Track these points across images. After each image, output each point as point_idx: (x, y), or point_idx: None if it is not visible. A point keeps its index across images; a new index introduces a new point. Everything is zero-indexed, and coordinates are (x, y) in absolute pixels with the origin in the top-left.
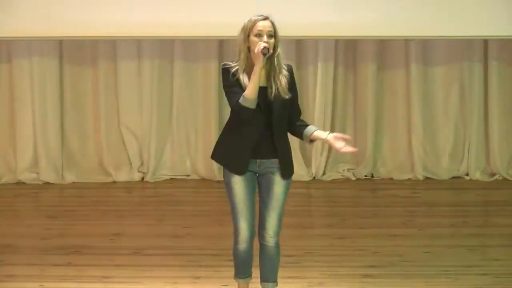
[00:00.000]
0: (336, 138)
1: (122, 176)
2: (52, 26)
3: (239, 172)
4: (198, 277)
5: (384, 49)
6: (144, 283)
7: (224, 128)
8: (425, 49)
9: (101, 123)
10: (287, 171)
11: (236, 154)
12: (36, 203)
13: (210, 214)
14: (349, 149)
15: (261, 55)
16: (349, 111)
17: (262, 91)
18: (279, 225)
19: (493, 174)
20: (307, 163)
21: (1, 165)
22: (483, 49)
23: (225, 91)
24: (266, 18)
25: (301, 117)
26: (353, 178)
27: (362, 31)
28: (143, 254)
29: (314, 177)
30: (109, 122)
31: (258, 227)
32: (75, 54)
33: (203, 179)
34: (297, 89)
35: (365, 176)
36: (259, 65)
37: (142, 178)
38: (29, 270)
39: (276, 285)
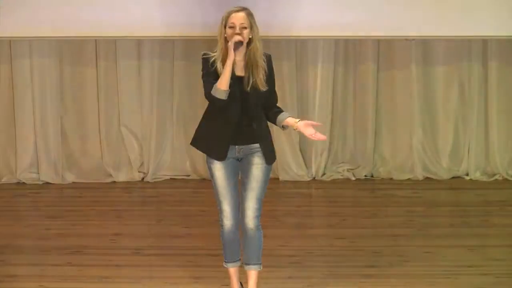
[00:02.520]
0: (307, 125)
1: (122, 176)
2: (52, 26)
3: (219, 158)
4: (198, 277)
5: (384, 49)
6: (144, 283)
7: (203, 115)
8: (425, 49)
9: (101, 123)
10: (267, 156)
11: (215, 141)
12: (36, 203)
13: (210, 214)
14: (319, 136)
15: (232, 49)
16: (349, 111)
17: (239, 81)
18: (258, 208)
19: (493, 174)
20: (307, 163)
21: (1, 165)
22: (483, 49)
23: (202, 80)
24: (241, 10)
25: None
26: (353, 178)
27: (362, 31)
28: (143, 254)
29: (314, 177)
30: (109, 122)
31: (240, 211)
32: (75, 54)
33: (203, 179)
34: (274, 76)
35: (365, 176)
36: (230, 59)
37: (142, 178)
38: (29, 270)
39: (260, 268)
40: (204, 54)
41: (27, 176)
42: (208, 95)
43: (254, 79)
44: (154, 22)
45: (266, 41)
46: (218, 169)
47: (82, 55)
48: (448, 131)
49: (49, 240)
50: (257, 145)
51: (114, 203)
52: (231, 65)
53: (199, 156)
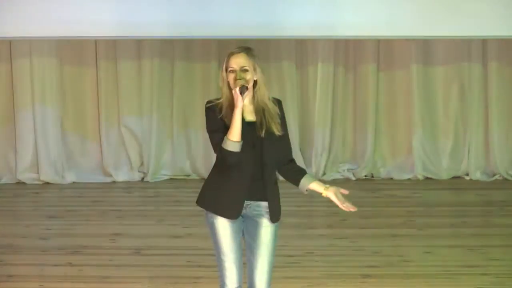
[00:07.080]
0: (337, 192)
1: (122, 176)
2: (52, 26)
3: (232, 217)
4: (198, 277)
5: (384, 49)
6: (144, 283)
7: (211, 171)
8: (425, 49)
9: (101, 123)
10: (275, 214)
11: (227, 200)
12: (36, 203)
13: None
14: (349, 207)
15: (239, 95)
16: (349, 111)
17: (251, 127)
18: (269, 275)
19: (493, 174)
20: (307, 163)
21: (1, 165)
22: (483, 49)
23: (208, 135)
24: (241, 51)
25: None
26: (353, 178)
27: (362, 31)
28: (143, 254)
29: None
30: (109, 122)
31: (247, 278)
32: (75, 54)
33: (203, 179)
34: (286, 124)
35: (365, 176)
36: (238, 107)
37: (142, 178)
38: (29, 270)
39: None
40: (208, 102)
41: (27, 176)
42: (218, 149)
43: (268, 123)
44: (154, 22)
45: (266, 41)
46: (223, 224)
47: (82, 55)
48: (448, 131)
49: (49, 240)
50: (266, 203)
51: (114, 203)
52: (240, 113)
53: (199, 156)
